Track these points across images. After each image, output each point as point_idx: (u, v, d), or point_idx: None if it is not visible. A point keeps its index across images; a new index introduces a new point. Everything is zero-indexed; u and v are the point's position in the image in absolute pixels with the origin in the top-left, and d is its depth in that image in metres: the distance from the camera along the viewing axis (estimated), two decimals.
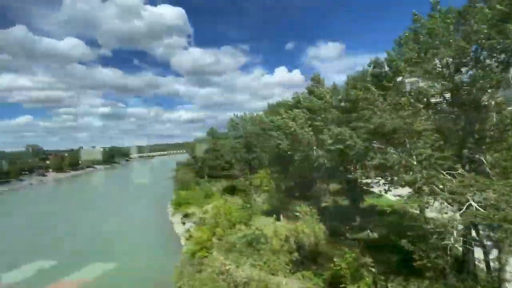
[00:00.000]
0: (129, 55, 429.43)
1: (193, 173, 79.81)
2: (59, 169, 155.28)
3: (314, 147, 21.10)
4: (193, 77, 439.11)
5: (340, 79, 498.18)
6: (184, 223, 35.01)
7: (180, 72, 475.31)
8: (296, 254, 20.74)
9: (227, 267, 16.19)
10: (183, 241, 30.22)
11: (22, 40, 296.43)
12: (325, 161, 20.52)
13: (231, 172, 65.07)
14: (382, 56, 18.94)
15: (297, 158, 21.91)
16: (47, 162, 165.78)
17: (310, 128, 20.68)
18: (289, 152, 22.42)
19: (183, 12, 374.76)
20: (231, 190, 45.58)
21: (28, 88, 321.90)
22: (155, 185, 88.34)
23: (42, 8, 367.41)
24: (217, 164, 62.81)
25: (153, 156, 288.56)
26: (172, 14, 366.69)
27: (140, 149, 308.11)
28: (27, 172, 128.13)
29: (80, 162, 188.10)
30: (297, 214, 23.96)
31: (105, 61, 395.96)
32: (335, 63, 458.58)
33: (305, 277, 17.63)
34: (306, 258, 20.87)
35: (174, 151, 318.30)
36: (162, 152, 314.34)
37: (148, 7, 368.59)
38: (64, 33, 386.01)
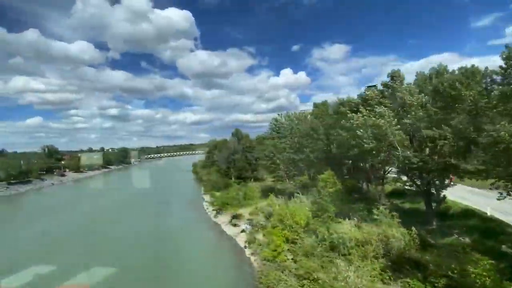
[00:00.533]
0: (137, 58, 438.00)
1: (217, 174, 79.62)
2: (76, 169, 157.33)
3: (400, 148, 20.01)
4: (200, 80, 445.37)
5: (346, 81, 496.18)
6: (235, 225, 34.19)
7: (186, 74, 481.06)
8: (382, 260, 19.77)
9: (347, 274, 15.18)
10: (240, 243, 29.41)
11: (34, 43, 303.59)
12: (416, 161, 19.38)
13: (257, 174, 64.70)
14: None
15: (381, 158, 20.87)
16: (62, 162, 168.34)
17: (398, 127, 19.63)
18: (373, 152, 21.33)
19: (190, 15, 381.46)
20: (270, 191, 44.93)
21: (39, 90, 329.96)
22: (176, 185, 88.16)
23: (54, 12, 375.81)
24: (246, 165, 62.07)
25: (161, 157, 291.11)
26: (180, 17, 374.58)
27: (148, 150, 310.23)
28: (44, 172, 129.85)
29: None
30: (376, 217, 22.90)
31: (114, 64, 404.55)
32: (341, 65, 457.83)
33: (411, 285, 16.51)
34: (395, 264, 19.79)
35: (182, 152, 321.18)
36: (172, 153, 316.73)
37: (156, 10, 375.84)
38: (74, 36, 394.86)
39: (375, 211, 23.39)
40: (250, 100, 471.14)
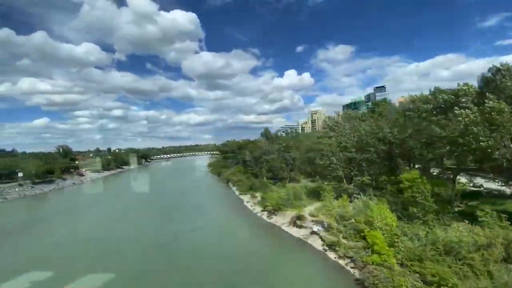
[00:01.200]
0: (142, 60, 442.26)
1: (244, 175, 78.62)
2: (92, 169, 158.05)
3: None
4: (204, 81, 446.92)
5: (350, 82, 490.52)
6: (300, 226, 32.96)
7: (191, 75, 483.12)
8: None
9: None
10: (315, 245, 28.20)
11: (42, 45, 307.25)
12: None
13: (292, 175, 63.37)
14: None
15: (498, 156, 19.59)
16: (76, 162, 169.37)
17: None
18: (489, 150, 20.06)
19: (196, 17, 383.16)
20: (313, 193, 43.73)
21: (46, 92, 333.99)
22: (202, 184, 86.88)
23: (61, 15, 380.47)
24: (283, 165, 60.89)
25: (169, 158, 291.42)
26: (185, 19, 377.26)
27: (153, 151, 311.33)
28: (61, 172, 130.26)
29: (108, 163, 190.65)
30: (482, 219, 21.57)
31: (119, 66, 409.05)
32: (345, 65, 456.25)
33: None
34: None
35: (189, 153, 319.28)
36: (182, 154, 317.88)
37: (162, 12, 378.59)
38: (81, 38, 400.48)
39: (479, 213, 22.08)
40: (254, 101, 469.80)
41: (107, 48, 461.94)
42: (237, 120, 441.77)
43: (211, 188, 79.19)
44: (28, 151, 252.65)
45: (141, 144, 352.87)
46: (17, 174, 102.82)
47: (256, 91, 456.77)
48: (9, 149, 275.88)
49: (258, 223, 38.95)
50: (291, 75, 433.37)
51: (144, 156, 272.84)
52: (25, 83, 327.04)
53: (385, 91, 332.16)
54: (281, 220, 37.25)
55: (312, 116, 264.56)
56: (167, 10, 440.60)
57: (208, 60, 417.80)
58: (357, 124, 38.73)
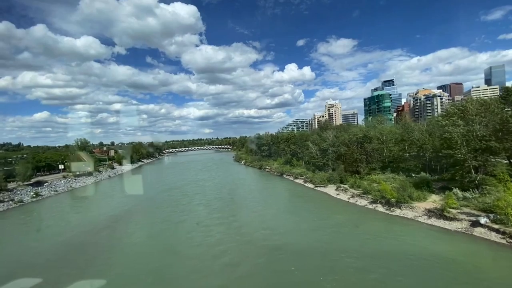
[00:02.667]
0: (142, 53, 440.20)
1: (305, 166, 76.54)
2: (117, 162, 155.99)
3: None
4: (204, 74, 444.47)
5: (351, 76, 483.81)
6: (451, 219, 30.98)
7: (191, 69, 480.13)
8: None
9: None
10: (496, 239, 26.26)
11: (42, 38, 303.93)
12: None
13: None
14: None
15: None
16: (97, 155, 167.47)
17: None
18: None
19: (196, 10, 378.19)
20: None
21: (46, 85, 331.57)
22: (253, 178, 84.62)
23: (61, 8, 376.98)
24: (362, 157, 58.76)
25: (177, 152, 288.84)
26: (186, 12, 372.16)
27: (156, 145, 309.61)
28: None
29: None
30: None
31: (119, 59, 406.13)
32: (347, 59, 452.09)
33: None
34: None
35: (197, 147, 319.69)
36: (184, 148, 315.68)
37: (162, 5, 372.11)
38: (81, 32, 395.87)
39: None
40: (254, 95, 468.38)
41: (107, 41, 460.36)
42: (238, 114, 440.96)
43: (271, 182, 75.93)
44: (32, 144, 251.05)
45: (141, 138, 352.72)
46: (58, 167, 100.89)
47: (257, 85, 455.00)
48: (15, 142, 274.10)
49: (391, 220, 36.00)
50: (291, 69, 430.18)
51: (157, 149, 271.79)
52: (26, 76, 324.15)
53: (393, 84, 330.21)
54: (412, 213, 35.34)
55: (329, 109, 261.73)
56: (167, 3, 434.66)
57: (209, 53, 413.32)
58: (496, 110, 36.23)
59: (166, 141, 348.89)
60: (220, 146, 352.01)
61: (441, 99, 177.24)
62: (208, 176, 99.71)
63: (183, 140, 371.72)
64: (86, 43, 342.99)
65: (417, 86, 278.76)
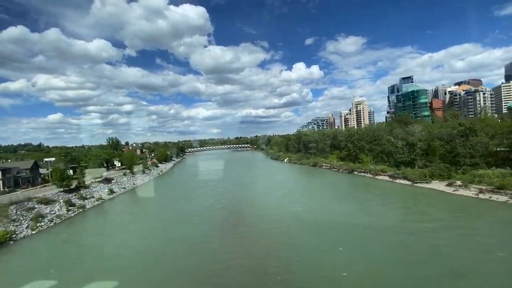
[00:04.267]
0: (152, 55, 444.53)
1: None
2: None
3: None
4: (212, 75, 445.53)
5: (360, 74, 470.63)
6: None
7: (199, 70, 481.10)
8: None
9: None
10: None
11: (55, 42, 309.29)
12: None
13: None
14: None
15: None
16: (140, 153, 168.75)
17: None
18: None
19: (205, 11, 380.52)
20: None
21: (60, 88, 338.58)
22: (321, 177, 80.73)
23: (73, 12, 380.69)
24: (464, 151, 55.02)
25: (195, 151, 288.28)
26: (195, 13, 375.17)
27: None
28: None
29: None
30: None
31: (130, 61, 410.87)
32: (356, 57, 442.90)
33: None
34: None
35: (211, 147, 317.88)
36: (200, 148, 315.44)
37: (172, 7, 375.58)
38: (93, 35, 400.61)
39: None
40: (262, 94, 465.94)
41: (118, 44, 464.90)
42: (245, 114, 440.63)
43: (353, 180, 69.10)
44: (46, 145, 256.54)
45: (151, 138, 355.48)
46: (114, 165, 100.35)
47: (265, 85, 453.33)
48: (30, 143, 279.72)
49: None
50: (299, 68, 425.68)
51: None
52: (40, 79, 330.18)
53: (412, 81, 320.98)
54: None
55: (356, 106, 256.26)
56: (177, 5, 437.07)
57: (217, 54, 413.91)
58: None
59: (178, 141, 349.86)
60: (237, 146, 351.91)
61: (484, 94, 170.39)
62: (265, 172, 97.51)
63: (195, 140, 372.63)
64: (98, 46, 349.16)
65: (429, 83, 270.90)
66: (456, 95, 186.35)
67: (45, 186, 74.60)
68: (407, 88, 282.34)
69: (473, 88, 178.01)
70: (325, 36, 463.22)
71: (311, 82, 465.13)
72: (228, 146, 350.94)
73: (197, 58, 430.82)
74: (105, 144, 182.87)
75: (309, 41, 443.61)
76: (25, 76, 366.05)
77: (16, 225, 39.81)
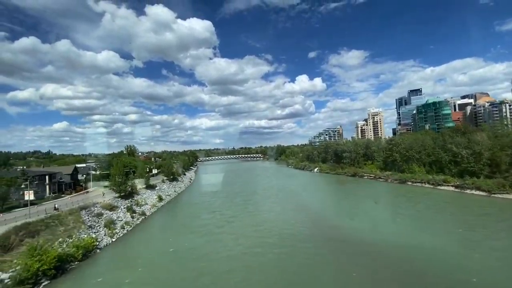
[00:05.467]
0: (158, 66, 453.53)
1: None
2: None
3: None
4: (217, 86, 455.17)
5: (362, 87, 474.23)
6: None
7: (204, 81, 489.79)
8: None
9: None
10: None
11: (65, 53, 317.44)
12: None
13: None
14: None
15: None
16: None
17: None
18: None
19: (211, 25, 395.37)
20: None
21: (67, 97, 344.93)
22: (373, 189, 76.83)
23: (84, 24, 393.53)
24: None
25: (202, 161, 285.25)
26: (201, 27, 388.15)
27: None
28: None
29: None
30: None
31: (136, 72, 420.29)
32: (358, 70, 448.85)
33: None
34: None
35: (218, 157, 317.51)
36: (207, 158, 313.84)
37: (180, 21, 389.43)
38: (102, 46, 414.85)
39: None
40: (265, 106, 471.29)
41: (126, 55, 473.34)
42: (248, 125, 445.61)
43: (419, 192, 64.43)
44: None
45: (154, 148, 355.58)
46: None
47: (268, 96, 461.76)
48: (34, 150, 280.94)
49: None
50: (302, 80, 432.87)
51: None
52: (48, 89, 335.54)
53: (421, 94, 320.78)
54: None
55: (373, 117, 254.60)
56: (184, 19, 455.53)
57: (222, 66, 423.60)
58: None
59: (184, 151, 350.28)
60: (247, 155, 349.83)
61: (510, 106, 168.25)
62: (307, 183, 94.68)
63: (200, 150, 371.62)
64: (106, 57, 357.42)
65: (431, 96, 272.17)
66: (480, 106, 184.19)
67: (87, 192, 72.47)
68: (418, 100, 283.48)
69: (497, 100, 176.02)
70: (328, 50, 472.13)
71: (313, 94, 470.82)
72: (237, 156, 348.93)
73: (202, 69, 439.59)
74: (117, 152, 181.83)
75: (312, 54, 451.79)
76: (34, 85, 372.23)
77: (94, 232, 37.18)
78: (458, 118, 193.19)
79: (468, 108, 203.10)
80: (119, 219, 44.54)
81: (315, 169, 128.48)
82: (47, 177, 64.56)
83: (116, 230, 40.24)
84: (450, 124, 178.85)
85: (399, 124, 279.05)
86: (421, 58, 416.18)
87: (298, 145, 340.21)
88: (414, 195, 60.33)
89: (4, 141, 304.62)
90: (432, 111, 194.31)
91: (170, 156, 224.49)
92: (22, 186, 49.74)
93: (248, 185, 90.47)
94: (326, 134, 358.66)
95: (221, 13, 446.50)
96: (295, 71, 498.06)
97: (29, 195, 38.10)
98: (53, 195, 65.77)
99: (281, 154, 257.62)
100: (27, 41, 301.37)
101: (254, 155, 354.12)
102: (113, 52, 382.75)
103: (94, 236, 35.48)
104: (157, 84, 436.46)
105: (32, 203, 55.63)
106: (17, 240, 28.20)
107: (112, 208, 47.46)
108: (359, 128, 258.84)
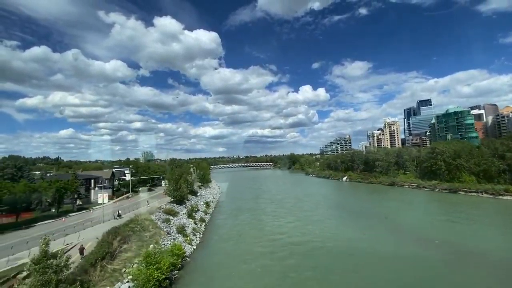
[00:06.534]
0: (164, 75, 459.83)
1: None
2: None
3: None
4: (221, 95, 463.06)
5: (366, 97, 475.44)
6: None
7: (209, 90, 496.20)
8: None
9: None
10: None
11: (75, 62, 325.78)
12: None
13: None
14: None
15: None
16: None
17: None
18: None
19: (217, 36, 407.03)
20: None
21: (74, 105, 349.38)
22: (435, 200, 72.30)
23: (94, 35, 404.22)
24: None
25: (211, 169, 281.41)
26: (207, 38, 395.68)
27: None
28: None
29: None
30: None
31: (143, 81, 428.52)
32: (361, 81, 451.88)
33: None
34: None
35: (224, 165, 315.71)
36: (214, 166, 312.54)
37: (187, 32, 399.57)
38: (110, 56, 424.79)
39: None
40: (269, 115, 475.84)
41: (133, 64, 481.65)
42: (251, 134, 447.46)
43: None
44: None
45: (157, 156, 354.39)
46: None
47: (271, 106, 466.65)
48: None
49: None
50: (306, 90, 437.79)
51: None
52: (56, 96, 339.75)
53: (430, 104, 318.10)
54: None
55: (390, 127, 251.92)
56: (191, 30, 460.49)
57: (226, 76, 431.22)
58: None
59: (189, 159, 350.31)
60: (256, 164, 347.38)
61: None
62: (349, 193, 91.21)
63: (205, 158, 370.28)
64: (114, 66, 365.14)
65: (436, 108, 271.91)
66: (504, 116, 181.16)
67: (128, 197, 70.28)
68: (428, 111, 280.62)
69: None
70: (332, 61, 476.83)
71: (317, 104, 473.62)
72: (244, 164, 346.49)
73: (207, 79, 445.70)
74: (133, 158, 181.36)
75: (315, 65, 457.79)
76: (43, 93, 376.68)
77: (173, 239, 34.74)
78: (475, 128, 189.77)
79: (490, 118, 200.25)
80: (185, 225, 42.05)
81: (344, 178, 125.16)
82: (92, 181, 62.63)
83: (191, 237, 37.73)
84: (474, 134, 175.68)
85: (410, 135, 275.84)
86: (424, 70, 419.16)
87: (309, 154, 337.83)
88: (497, 206, 55.49)
89: (11, 147, 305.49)
90: (453, 120, 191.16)
91: (186, 163, 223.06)
92: (78, 189, 47.91)
93: (286, 192, 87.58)
94: (338, 144, 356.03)
95: (226, 24, 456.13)
96: (298, 81, 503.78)
97: (103, 198, 35.80)
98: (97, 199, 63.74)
99: (294, 163, 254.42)
100: (38, 50, 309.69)
101: (264, 163, 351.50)
102: (120, 61, 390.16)
103: (175, 242, 33.05)
104: (162, 93, 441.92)
105: (81, 207, 53.73)
106: (117, 247, 25.90)
107: (174, 213, 45.08)
108: (375, 137, 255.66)
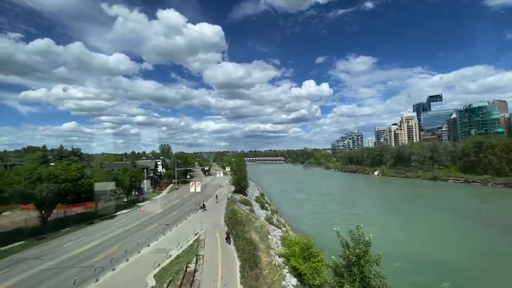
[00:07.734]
0: (167, 69, 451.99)
1: None
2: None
3: None
4: (224, 90, 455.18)
5: (369, 93, 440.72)
6: None
7: (211, 84, 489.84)
8: None
9: None
10: None
11: (78, 55, 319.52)
12: None
13: None
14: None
15: None
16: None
17: None
18: None
19: (220, 30, 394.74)
20: None
21: (77, 98, 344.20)
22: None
23: (97, 28, 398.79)
24: None
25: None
26: (211, 31, 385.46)
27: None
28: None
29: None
30: None
31: (146, 74, 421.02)
32: (365, 76, 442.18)
33: None
34: None
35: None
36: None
37: (190, 25, 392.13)
38: (113, 49, 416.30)
39: None
40: (271, 110, 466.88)
41: (136, 58, 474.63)
42: (253, 128, 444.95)
43: None
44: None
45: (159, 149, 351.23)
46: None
47: (274, 100, 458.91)
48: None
49: None
50: (309, 85, 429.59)
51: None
52: (59, 89, 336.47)
53: (441, 100, 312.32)
54: None
55: (408, 122, 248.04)
56: (194, 23, 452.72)
57: (229, 70, 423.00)
58: None
59: (194, 152, 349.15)
60: (266, 158, 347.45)
61: None
62: (395, 189, 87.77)
63: (210, 152, 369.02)
64: (117, 59, 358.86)
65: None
66: None
67: (177, 188, 68.34)
68: (439, 106, 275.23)
69: None
70: (336, 56, 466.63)
71: (320, 99, 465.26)
72: (252, 158, 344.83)
73: (210, 73, 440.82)
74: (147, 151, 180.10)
75: (319, 59, 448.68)
76: (46, 85, 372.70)
77: (272, 230, 32.57)
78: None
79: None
80: (269, 216, 39.92)
81: (376, 172, 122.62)
82: (145, 170, 60.66)
83: (283, 229, 35.58)
84: (500, 130, 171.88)
85: (421, 130, 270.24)
86: (429, 65, 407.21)
87: (314, 149, 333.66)
88: None
89: (15, 139, 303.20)
90: (478, 116, 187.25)
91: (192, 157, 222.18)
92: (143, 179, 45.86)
93: (327, 186, 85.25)
94: (350, 139, 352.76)
95: (230, 18, 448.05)
96: (302, 76, 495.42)
97: (195, 187, 33.67)
98: (152, 190, 61.98)
99: (308, 157, 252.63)
100: (42, 43, 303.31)
101: (275, 157, 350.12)
102: (123, 54, 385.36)
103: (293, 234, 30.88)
104: (165, 87, 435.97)
105: (141, 198, 51.71)
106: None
107: (249, 204, 43.04)
108: (392, 132, 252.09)
